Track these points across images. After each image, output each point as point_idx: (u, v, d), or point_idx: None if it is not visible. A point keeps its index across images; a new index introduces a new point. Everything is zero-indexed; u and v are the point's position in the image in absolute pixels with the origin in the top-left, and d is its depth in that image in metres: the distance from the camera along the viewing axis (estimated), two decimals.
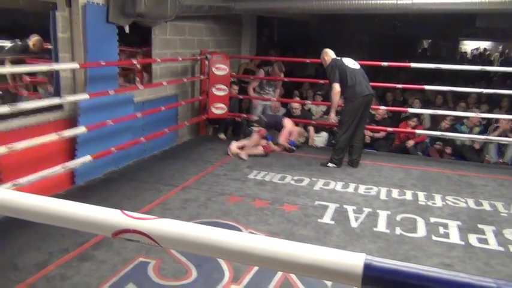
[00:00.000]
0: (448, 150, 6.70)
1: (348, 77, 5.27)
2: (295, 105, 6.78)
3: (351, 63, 5.44)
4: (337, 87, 5.30)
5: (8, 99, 4.68)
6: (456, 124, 6.84)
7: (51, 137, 3.84)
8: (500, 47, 18.40)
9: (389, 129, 6.55)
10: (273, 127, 6.21)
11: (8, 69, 4.51)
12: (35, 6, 4.07)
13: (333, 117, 5.59)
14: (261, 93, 7.07)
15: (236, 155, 5.70)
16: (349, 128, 5.34)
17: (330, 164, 5.47)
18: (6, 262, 2.97)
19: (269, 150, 5.84)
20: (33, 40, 4.73)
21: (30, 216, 1.11)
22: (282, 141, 6.08)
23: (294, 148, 6.13)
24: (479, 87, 7.02)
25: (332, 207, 4.16)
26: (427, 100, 8.10)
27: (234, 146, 5.80)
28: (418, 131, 6.51)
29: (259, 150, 5.81)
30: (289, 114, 6.88)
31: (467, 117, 6.69)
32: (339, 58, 5.50)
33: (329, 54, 5.58)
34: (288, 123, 6.14)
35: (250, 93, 7.02)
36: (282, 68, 6.88)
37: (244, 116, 7.11)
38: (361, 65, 5.69)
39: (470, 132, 6.62)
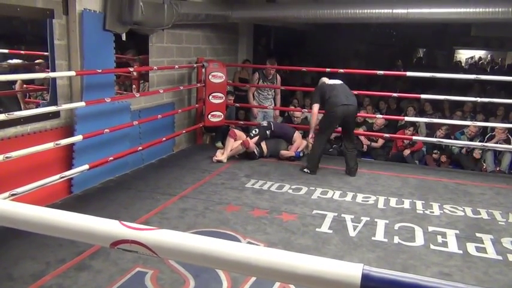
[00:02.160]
0: (443, 159, 6.73)
1: (326, 92, 5.43)
2: (297, 114, 6.81)
3: (331, 81, 5.61)
4: (314, 108, 5.52)
5: (13, 106, 4.69)
6: (456, 133, 6.87)
7: (48, 146, 3.82)
8: (489, 56, 18.57)
9: (386, 135, 6.58)
10: (280, 137, 6.21)
11: (4, 76, 4.51)
12: (33, 14, 4.08)
13: (310, 139, 5.72)
14: (260, 98, 7.07)
15: (219, 160, 5.79)
16: (322, 138, 5.52)
17: (305, 170, 5.54)
18: (1, 273, 2.93)
19: (248, 144, 5.81)
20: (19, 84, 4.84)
21: (28, 226, 1.11)
22: (289, 153, 6.10)
23: (300, 155, 6.13)
24: (474, 96, 7.08)
25: (330, 216, 4.15)
26: (423, 109, 8.13)
27: (219, 151, 5.94)
28: (415, 138, 6.54)
29: (237, 144, 5.84)
30: (289, 121, 6.90)
31: (467, 127, 6.69)
32: (324, 81, 5.67)
33: (321, 80, 5.76)
34: (298, 138, 6.20)
35: (251, 101, 7.04)
36: (274, 62, 6.96)
37: (241, 123, 7.11)
38: (357, 73, 5.78)
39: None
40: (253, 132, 6.01)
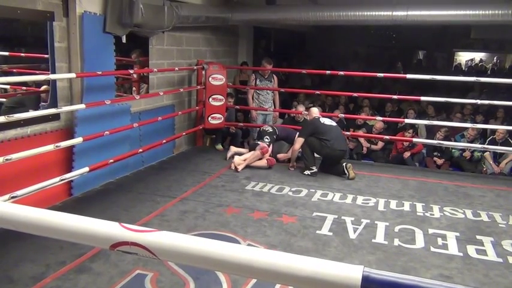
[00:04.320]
0: (440, 161, 6.74)
1: (321, 132, 5.53)
2: (301, 111, 6.80)
3: (326, 121, 5.70)
4: (298, 143, 5.61)
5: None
6: (456, 136, 6.86)
7: (48, 148, 3.83)
8: (495, 58, 18.60)
9: (386, 137, 6.58)
10: (284, 139, 6.21)
11: (4, 78, 4.53)
12: (33, 16, 4.09)
13: (291, 168, 5.79)
14: (260, 99, 7.05)
15: (236, 167, 5.62)
16: (309, 140, 5.56)
17: (305, 172, 5.56)
18: (1, 275, 2.93)
19: (273, 163, 5.81)
20: (44, 88, 4.90)
21: (28, 228, 1.10)
22: (287, 156, 6.10)
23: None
24: (474, 98, 7.09)
25: (330, 218, 4.15)
26: (423, 112, 8.13)
27: (239, 158, 5.74)
28: (415, 140, 6.53)
29: (263, 162, 5.78)
30: (292, 121, 6.91)
31: (467, 129, 6.68)
32: (317, 117, 5.75)
33: (312, 112, 5.88)
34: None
35: (250, 103, 7.03)
36: (270, 62, 6.99)
37: (241, 125, 7.11)
38: (357, 76, 5.76)
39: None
40: (266, 139, 5.95)
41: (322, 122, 5.64)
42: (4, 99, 5.01)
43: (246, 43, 8.96)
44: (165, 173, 5.43)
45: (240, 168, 5.60)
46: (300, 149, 5.72)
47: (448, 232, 3.94)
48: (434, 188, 5.26)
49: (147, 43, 5.79)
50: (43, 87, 4.81)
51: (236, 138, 7.17)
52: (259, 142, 5.90)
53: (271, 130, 6.13)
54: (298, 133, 5.79)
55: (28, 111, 4.07)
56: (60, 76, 4.31)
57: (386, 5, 6.41)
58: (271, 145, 5.95)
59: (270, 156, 5.90)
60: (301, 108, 6.88)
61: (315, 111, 5.90)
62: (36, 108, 4.57)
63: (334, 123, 5.72)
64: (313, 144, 5.54)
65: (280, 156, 6.09)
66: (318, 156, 5.73)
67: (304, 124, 6.00)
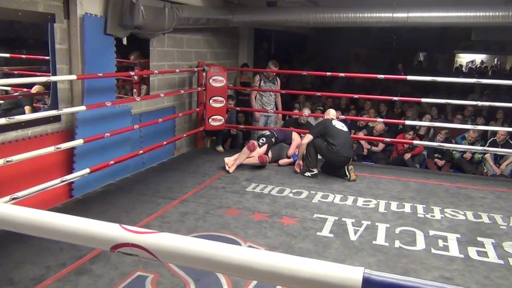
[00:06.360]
0: (441, 163, 6.74)
1: (329, 134, 5.52)
2: (305, 113, 6.78)
3: (338, 124, 5.68)
4: (306, 139, 5.58)
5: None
6: (457, 138, 6.86)
7: (49, 149, 3.83)
8: (495, 60, 18.63)
9: (387, 139, 6.57)
10: (283, 141, 6.22)
11: (6, 80, 4.54)
12: (34, 18, 4.09)
13: (297, 167, 5.73)
14: (263, 101, 7.05)
15: (229, 167, 5.63)
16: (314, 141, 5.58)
17: (306, 174, 5.57)
18: (2, 277, 2.93)
19: (264, 160, 5.81)
20: (35, 88, 4.94)
21: (29, 230, 1.10)
22: (290, 153, 6.13)
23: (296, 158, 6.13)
24: (475, 100, 7.09)
25: (331, 220, 4.15)
26: (424, 113, 8.13)
27: (229, 158, 5.76)
28: (415, 142, 6.52)
29: (254, 160, 5.78)
30: (294, 122, 6.91)
31: (467, 131, 6.67)
32: (331, 119, 5.74)
33: (329, 113, 5.88)
34: (296, 137, 6.22)
35: (253, 105, 7.02)
36: (276, 64, 6.99)
37: (241, 127, 7.11)
38: (358, 77, 5.75)
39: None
40: (261, 141, 5.95)
41: (333, 124, 5.62)
42: (1, 101, 5.03)
43: (247, 45, 8.97)
44: (166, 175, 5.43)
45: (232, 169, 5.59)
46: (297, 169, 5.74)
47: (449, 234, 3.93)
48: (435, 190, 5.25)
49: (147, 45, 5.80)
50: (35, 87, 4.84)
51: (237, 140, 7.17)
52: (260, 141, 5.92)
53: (269, 133, 6.15)
54: (309, 131, 5.81)
55: (24, 111, 4.08)
56: (61, 78, 4.32)
57: (387, 6, 6.41)
58: (265, 146, 5.93)
59: (268, 159, 5.89)
60: (306, 111, 6.88)
61: (332, 113, 5.89)
62: (32, 105, 4.63)
63: (345, 128, 5.69)
64: (319, 147, 5.54)
65: (282, 162, 6.08)
66: (320, 157, 5.72)
67: (316, 123, 5.98)
